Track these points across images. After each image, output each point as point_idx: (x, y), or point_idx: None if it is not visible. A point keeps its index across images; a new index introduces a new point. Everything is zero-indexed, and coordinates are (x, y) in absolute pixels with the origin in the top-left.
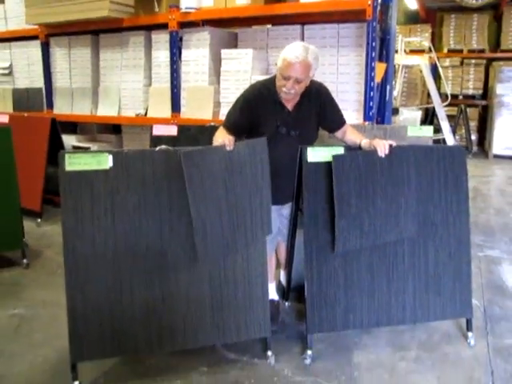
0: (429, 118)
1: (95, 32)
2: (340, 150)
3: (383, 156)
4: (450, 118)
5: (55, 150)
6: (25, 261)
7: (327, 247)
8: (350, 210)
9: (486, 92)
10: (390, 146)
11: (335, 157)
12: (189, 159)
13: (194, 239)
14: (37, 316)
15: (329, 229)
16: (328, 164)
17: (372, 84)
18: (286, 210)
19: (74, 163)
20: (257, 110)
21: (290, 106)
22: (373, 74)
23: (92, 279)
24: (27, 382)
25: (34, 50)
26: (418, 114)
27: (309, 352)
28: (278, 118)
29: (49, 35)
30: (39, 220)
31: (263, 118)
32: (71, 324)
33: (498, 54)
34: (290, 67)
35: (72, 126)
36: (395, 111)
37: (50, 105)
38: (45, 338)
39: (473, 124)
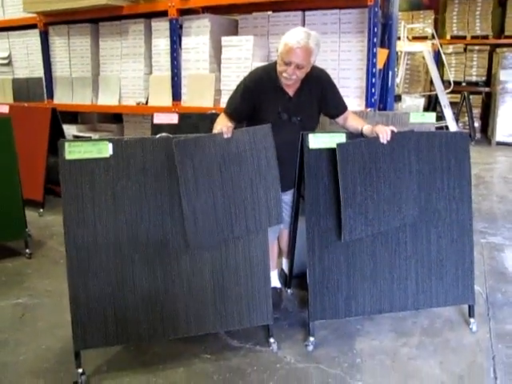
0: (431, 105)
1: (94, 20)
2: (342, 137)
3: (385, 142)
4: (452, 105)
5: (56, 140)
6: (27, 251)
7: (329, 234)
8: (355, 198)
9: (490, 79)
10: (392, 131)
11: (339, 145)
12: (181, 147)
13: (185, 225)
14: (40, 305)
15: (331, 215)
16: (330, 150)
17: (374, 70)
18: (287, 196)
19: (73, 152)
20: (258, 96)
21: (291, 92)
22: (375, 60)
23: (94, 268)
24: (32, 370)
25: (32, 39)
26: (420, 102)
27: (311, 339)
28: (280, 104)
29: (47, 24)
30: (41, 210)
31: (264, 103)
32: (74, 313)
33: (502, 40)
34: (291, 52)
35: (73, 116)
36: (398, 98)
37: (51, 95)
38: (48, 327)
39: (476, 111)
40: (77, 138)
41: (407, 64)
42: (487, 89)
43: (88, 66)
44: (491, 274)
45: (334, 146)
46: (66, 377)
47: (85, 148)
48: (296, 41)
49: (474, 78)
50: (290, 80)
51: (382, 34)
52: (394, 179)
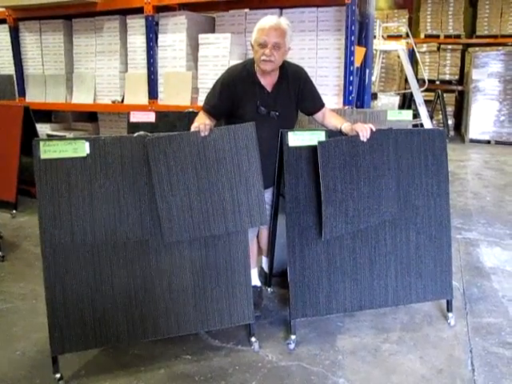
0: (406, 103)
1: (68, 17)
2: (321, 135)
3: (365, 140)
4: (427, 103)
5: (30, 140)
6: (0, 253)
7: (310, 232)
8: (335, 196)
9: (463, 77)
10: (371, 129)
11: (321, 143)
12: (155, 146)
13: (160, 222)
14: (15, 309)
15: (311, 213)
16: (309, 148)
17: (351, 68)
18: (267, 195)
19: (49, 151)
20: (236, 92)
21: (269, 87)
22: (352, 58)
23: (71, 269)
24: (5, 377)
25: (2, 34)
26: (395, 100)
27: (292, 337)
28: (258, 99)
29: (18, 19)
30: (14, 211)
31: (243, 99)
32: (51, 316)
33: (474, 40)
34: (265, 33)
35: (46, 115)
36: (373, 96)
37: (23, 93)
38: (24, 332)
39: (449, 109)
40: (51, 137)
41: (382, 62)
42: (460, 87)
43: (61, 64)
44: (467, 269)
45: (314, 143)
46: (42, 383)
47: (60, 147)
48: (268, 21)
49: (447, 77)
50: (270, 63)
51: (359, 33)
52: (374, 176)
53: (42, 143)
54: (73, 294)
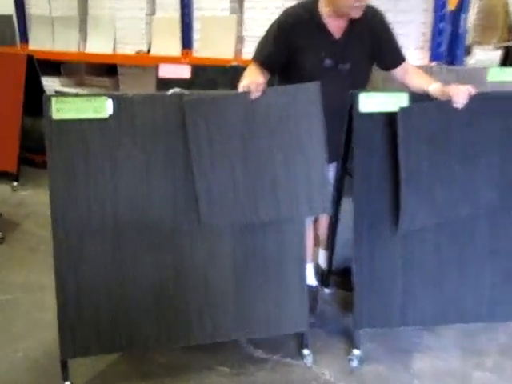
0: (509, 60)
1: None
2: (403, 97)
3: (461, 107)
4: None
5: (34, 97)
6: None
7: (383, 222)
8: (419, 178)
9: None
10: (470, 93)
11: (403, 109)
12: (194, 109)
13: (198, 203)
14: (15, 302)
15: (386, 198)
16: (386, 115)
17: (443, 12)
18: (329, 171)
19: (63, 109)
20: (296, 38)
21: (337, 34)
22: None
23: (87, 257)
24: (4, 381)
25: None
26: (496, 55)
27: (355, 352)
28: (323, 48)
29: None
30: (15, 184)
31: (303, 47)
32: (61, 312)
33: None
34: None
35: (54, 66)
36: (466, 50)
37: (25, 38)
38: (26, 330)
39: None
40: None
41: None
42: None
43: (74, 2)
44: None
45: (392, 109)
46: None
47: (77, 105)
48: None
49: None
50: (363, 8)
51: None
52: (471, 155)
53: (54, 100)
54: (88, 287)
